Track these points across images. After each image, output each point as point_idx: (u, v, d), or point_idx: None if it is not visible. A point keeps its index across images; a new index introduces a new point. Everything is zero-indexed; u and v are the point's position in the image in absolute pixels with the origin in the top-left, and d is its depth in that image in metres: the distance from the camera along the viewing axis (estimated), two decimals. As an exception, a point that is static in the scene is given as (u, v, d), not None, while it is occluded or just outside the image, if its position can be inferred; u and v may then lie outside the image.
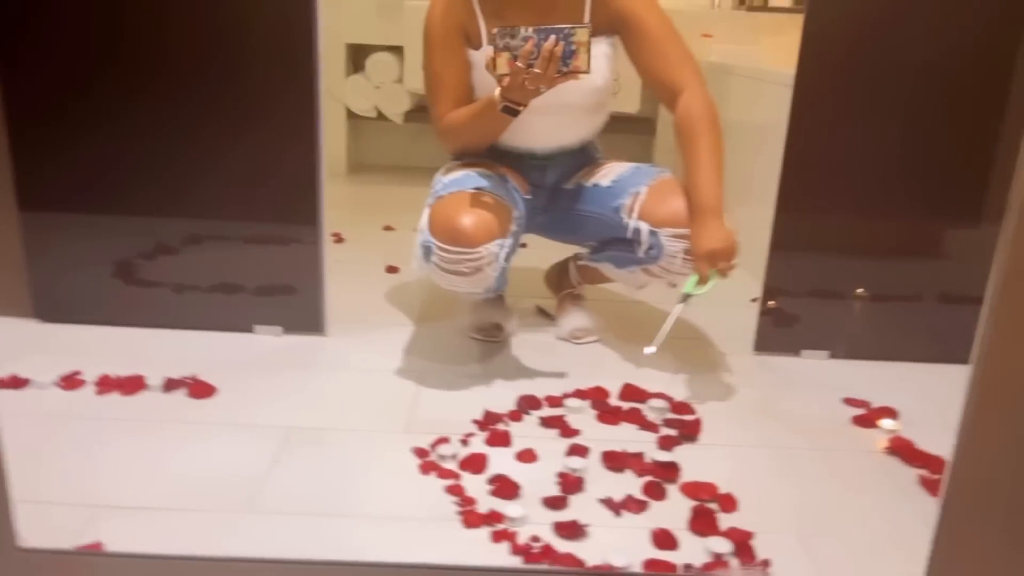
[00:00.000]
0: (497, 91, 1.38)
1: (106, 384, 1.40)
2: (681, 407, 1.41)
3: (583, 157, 1.66)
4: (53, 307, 1.67)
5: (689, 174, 1.43)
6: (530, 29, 1.28)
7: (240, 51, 1.53)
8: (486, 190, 1.44)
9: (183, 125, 1.57)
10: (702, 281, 1.39)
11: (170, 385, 1.41)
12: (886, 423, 1.38)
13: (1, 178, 1.58)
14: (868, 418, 1.40)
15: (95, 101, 1.55)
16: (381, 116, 3.36)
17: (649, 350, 1.37)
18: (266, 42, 1.53)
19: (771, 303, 1.66)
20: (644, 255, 1.48)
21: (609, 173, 1.58)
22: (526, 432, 1.32)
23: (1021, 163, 0.74)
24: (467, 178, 1.48)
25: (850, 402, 1.47)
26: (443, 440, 1.26)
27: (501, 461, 1.22)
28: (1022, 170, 0.74)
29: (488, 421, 1.34)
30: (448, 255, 1.36)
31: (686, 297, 1.41)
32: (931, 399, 1.49)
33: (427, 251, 1.39)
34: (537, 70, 1.29)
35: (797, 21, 3.68)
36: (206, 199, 1.61)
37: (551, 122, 1.55)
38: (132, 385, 1.40)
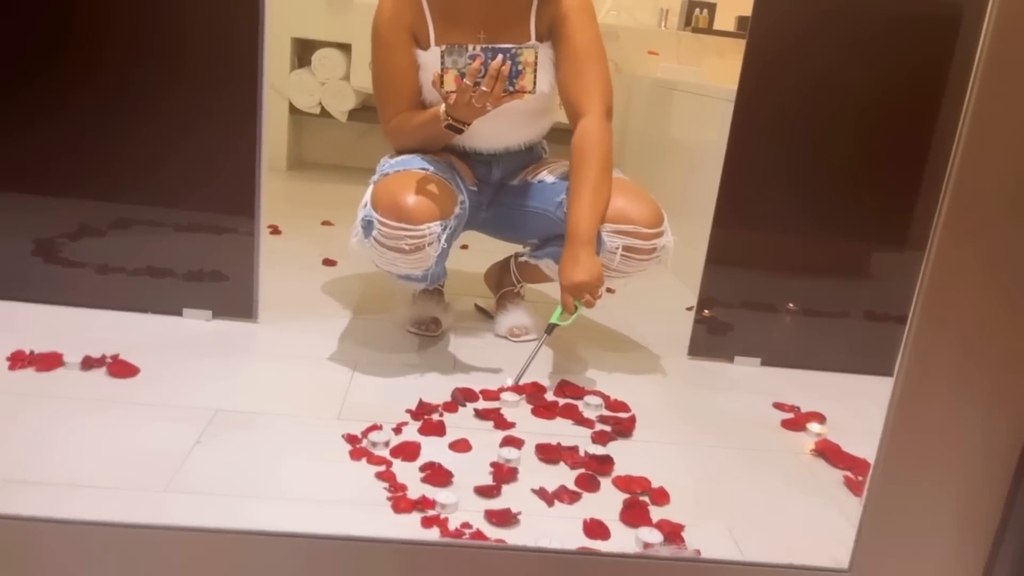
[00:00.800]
0: (442, 107, 1.39)
1: (19, 360, 1.33)
2: (617, 405, 1.41)
3: (529, 156, 1.67)
4: (-35, 281, 1.58)
5: (570, 201, 1.45)
6: (478, 48, 1.29)
7: (184, 39, 1.50)
8: (432, 172, 1.43)
9: (121, 110, 1.52)
10: (567, 311, 1.43)
11: (88, 363, 1.34)
12: (814, 427, 1.41)
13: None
14: (797, 421, 1.43)
15: (31, 82, 1.50)
16: (325, 113, 3.31)
17: (507, 385, 1.42)
18: (210, 32, 1.50)
19: (706, 312, 1.69)
20: None
21: (556, 169, 1.59)
22: (460, 423, 1.30)
23: (945, 192, 0.78)
24: (414, 160, 1.47)
25: (780, 406, 1.50)
26: (375, 427, 1.23)
27: (434, 450, 1.20)
28: (946, 199, 0.78)
29: (422, 411, 1.31)
30: (390, 230, 1.34)
31: (551, 328, 1.46)
32: (855, 406, 1.54)
33: (368, 226, 1.37)
34: (484, 88, 1.30)
35: (740, 45, 3.80)
36: (140, 185, 1.57)
37: (495, 126, 1.55)
38: (48, 362, 1.33)
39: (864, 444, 1.33)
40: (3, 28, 1.47)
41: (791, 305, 1.70)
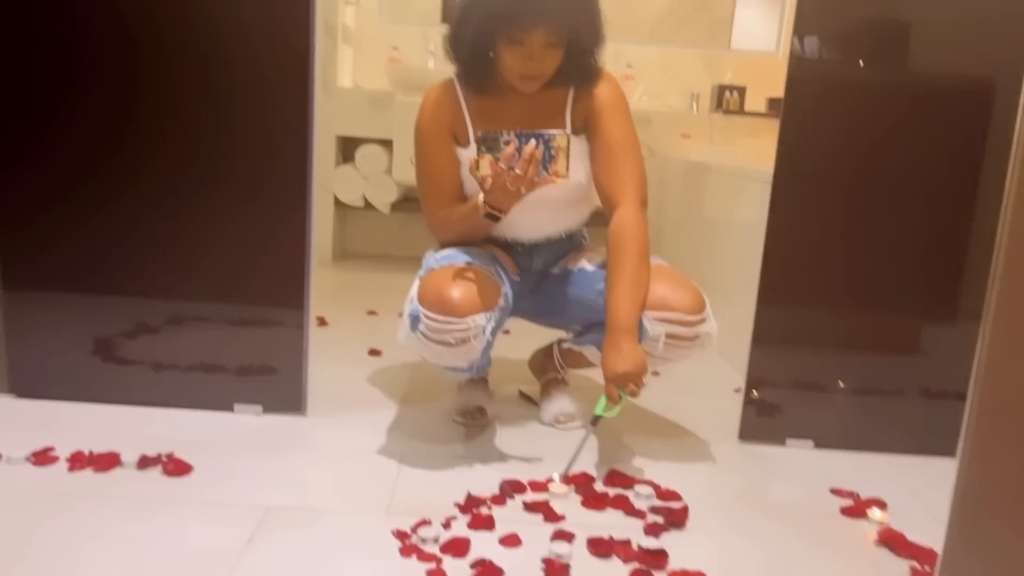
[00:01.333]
0: (480, 196, 1.43)
1: (79, 460, 1.36)
2: (668, 494, 1.39)
3: (570, 244, 1.70)
4: (29, 383, 1.64)
5: (609, 292, 1.45)
6: (512, 133, 1.34)
7: (235, 139, 1.57)
8: (476, 266, 1.46)
9: (175, 210, 1.59)
10: (612, 402, 1.42)
11: (145, 463, 1.37)
12: (875, 513, 1.36)
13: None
14: (857, 508, 1.39)
15: (86, 185, 1.58)
16: (368, 205, 3.41)
17: (556, 486, 1.38)
18: (262, 131, 1.57)
19: (754, 393, 1.66)
20: None
21: (595, 258, 1.61)
22: (509, 516, 1.28)
23: (996, 264, 0.77)
24: (458, 254, 1.50)
25: (837, 492, 1.45)
26: (424, 523, 1.22)
27: (484, 545, 1.19)
28: (997, 270, 0.77)
29: (471, 504, 1.31)
30: (436, 324, 1.37)
31: (596, 420, 1.44)
32: (917, 490, 1.48)
33: (415, 320, 1.39)
34: (518, 172, 1.34)
35: (771, 124, 3.87)
36: (192, 282, 1.62)
37: (535, 215, 1.59)
38: (105, 462, 1.36)
39: (929, 532, 1.28)
40: (61, 132, 1.56)
41: (841, 384, 1.67)
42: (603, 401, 1.43)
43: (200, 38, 1.54)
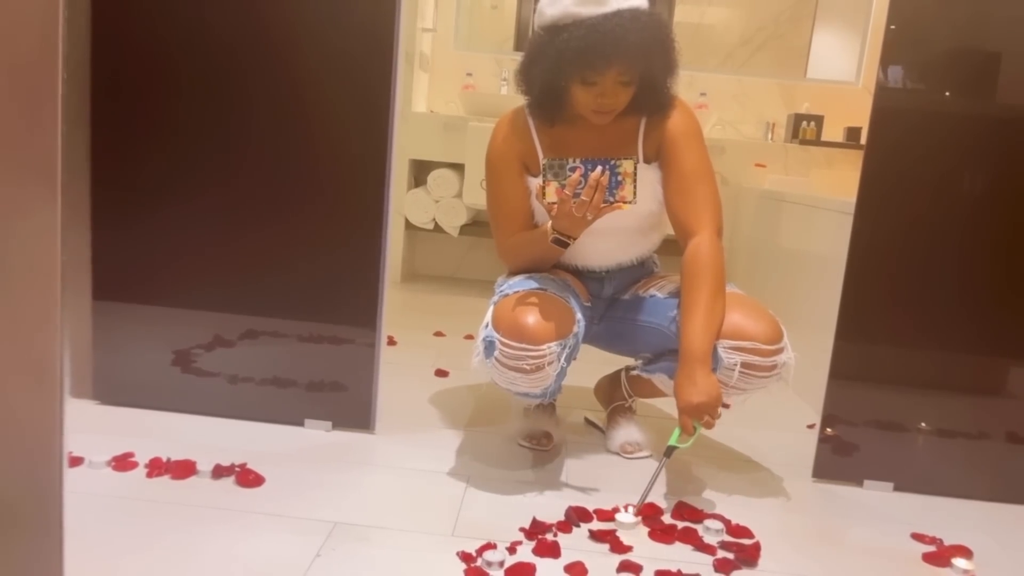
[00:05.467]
0: (549, 224, 1.43)
1: (157, 467, 1.40)
2: (739, 530, 1.35)
3: (641, 271, 1.68)
4: (112, 390, 1.70)
5: (684, 320, 1.43)
6: (578, 160, 1.34)
7: (317, 161, 1.61)
8: (550, 292, 1.46)
9: (256, 228, 1.64)
10: (686, 433, 1.39)
11: (219, 472, 1.40)
12: (960, 563, 1.29)
13: (81, 269, 1.66)
14: (940, 555, 1.32)
15: (175, 203, 1.64)
16: (438, 228, 3.46)
17: (626, 517, 1.34)
18: (343, 155, 1.61)
19: (829, 431, 1.61)
20: None
21: (667, 285, 1.59)
22: (575, 545, 1.27)
23: None
24: (531, 280, 1.50)
25: (919, 537, 1.39)
26: (490, 546, 1.22)
27: (549, 573, 1.17)
28: None
29: (536, 530, 1.29)
30: (511, 351, 1.37)
31: (670, 450, 1.42)
32: (1003, 539, 1.41)
33: (490, 346, 1.40)
34: (584, 198, 1.34)
35: (848, 155, 3.77)
36: (269, 298, 1.66)
37: (606, 244, 1.59)
38: (182, 470, 1.39)
39: (1020, 584, 1.21)
40: (156, 151, 1.62)
41: (923, 425, 1.60)
42: (677, 432, 1.41)
43: (288, 64, 1.59)
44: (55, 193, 0.65)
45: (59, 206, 0.65)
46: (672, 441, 1.41)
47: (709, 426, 1.39)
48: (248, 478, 1.38)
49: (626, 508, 1.38)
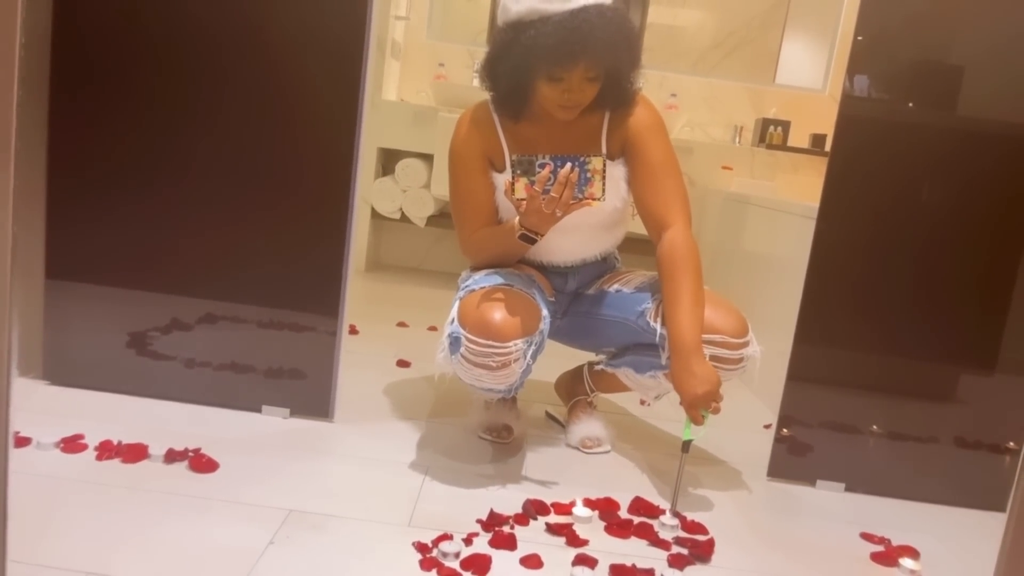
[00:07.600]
0: (516, 219, 1.43)
1: (107, 450, 1.37)
2: (694, 526, 1.36)
3: (604, 266, 1.69)
4: (63, 370, 1.66)
5: (670, 313, 1.44)
6: (547, 157, 1.34)
7: (283, 145, 1.59)
8: (516, 288, 1.45)
9: (217, 211, 1.61)
10: (697, 424, 1.40)
11: (172, 456, 1.37)
12: (907, 563, 1.32)
13: (34, 247, 1.61)
14: (888, 555, 1.35)
15: (133, 183, 1.60)
16: (404, 218, 3.43)
17: (669, 518, 1.36)
18: (309, 141, 1.59)
19: (785, 431, 1.63)
20: (667, 360, 1.47)
21: (632, 280, 1.60)
22: (532, 537, 1.27)
23: None
24: (497, 276, 1.49)
25: (868, 537, 1.41)
26: (446, 537, 1.21)
27: (505, 565, 1.17)
28: None
29: (493, 522, 1.29)
30: (477, 348, 1.36)
31: (687, 445, 1.42)
32: (950, 541, 1.44)
33: (455, 343, 1.39)
34: (553, 194, 1.34)
35: (813, 161, 3.82)
36: (229, 282, 1.64)
37: (571, 240, 1.59)
38: (134, 453, 1.36)
39: (963, 584, 1.24)
40: (112, 131, 1.58)
41: (875, 428, 1.64)
42: (688, 426, 1.41)
43: (256, 46, 1.56)
44: (8, 166, 0.63)
45: (11, 179, 0.63)
46: (686, 436, 1.41)
47: (716, 412, 1.39)
48: (201, 463, 1.36)
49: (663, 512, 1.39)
